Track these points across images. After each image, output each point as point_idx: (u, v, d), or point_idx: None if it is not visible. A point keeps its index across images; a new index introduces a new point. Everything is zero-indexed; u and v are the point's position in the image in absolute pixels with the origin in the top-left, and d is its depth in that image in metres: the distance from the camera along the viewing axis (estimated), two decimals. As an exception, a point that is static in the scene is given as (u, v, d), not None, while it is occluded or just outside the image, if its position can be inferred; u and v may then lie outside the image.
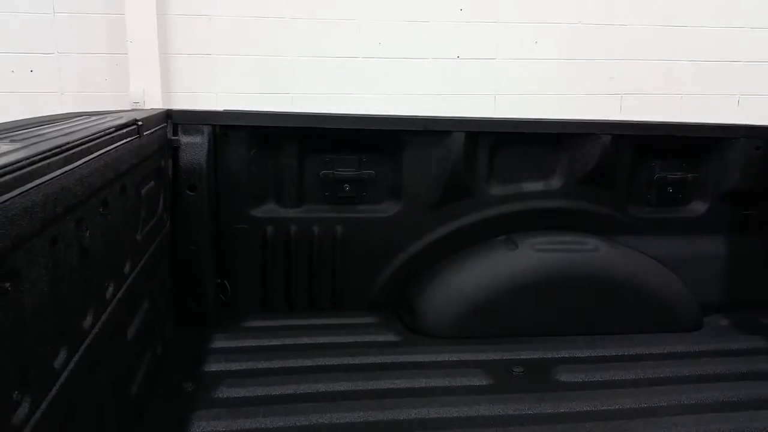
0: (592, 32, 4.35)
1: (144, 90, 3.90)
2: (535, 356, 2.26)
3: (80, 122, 1.61)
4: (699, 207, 2.77)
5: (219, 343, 2.27)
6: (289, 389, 1.96)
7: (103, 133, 1.46)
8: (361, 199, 2.59)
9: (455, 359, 2.21)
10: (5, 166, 0.94)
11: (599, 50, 4.38)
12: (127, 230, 1.67)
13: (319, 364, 2.14)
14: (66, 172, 1.15)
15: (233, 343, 2.27)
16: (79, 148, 1.26)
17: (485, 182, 2.60)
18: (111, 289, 1.48)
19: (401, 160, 2.54)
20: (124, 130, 1.64)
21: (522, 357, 2.25)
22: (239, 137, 2.43)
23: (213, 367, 2.09)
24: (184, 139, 2.32)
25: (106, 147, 1.44)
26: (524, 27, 4.28)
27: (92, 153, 1.33)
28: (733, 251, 2.74)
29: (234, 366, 2.10)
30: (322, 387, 1.98)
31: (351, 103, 4.12)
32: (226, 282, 2.51)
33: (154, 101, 3.90)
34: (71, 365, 1.19)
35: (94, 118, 1.77)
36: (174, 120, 2.32)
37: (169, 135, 2.29)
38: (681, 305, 2.56)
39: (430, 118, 2.55)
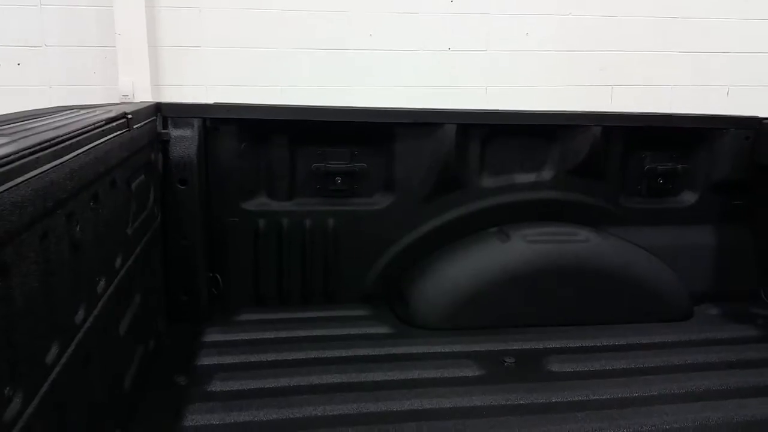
0: (583, 23, 4.36)
1: (133, 83, 3.87)
2: (527, 347, 2.27)
3: (69, 116, 1.59)
4: (689, 197, 2.78)
5: (212, 336, 2.27)
6: (283, 382, 1.96)
7: (92, 126, 1.44)
8: (353, 192, 2.58)
9: (448, 350, 2.22)
10: None
11: (590, 41, 4.39)
12: (118, 224, 1.66)
13: (312, 356, 2.14)
14: (55, 166, 1.15)
15: (226, 337, 2.27)
16: (69, 142, 1.25)
17: (477, 174, 2.60)
18: (102, 283, 1.47)
19: (393, 152, 2.54)
20: (114, 124, 1.63)
21: (514, 347, 2.26)
22: (230, 130, 2.42)
23: (206, 360, 2.09)
24: (174, 132, 2.30)
25: (95, 141, 1.43)
26: (515, 18, 4.28)
27: (82, 147, 1.32)
28: (723, 241, 2.76)
29: (227, 359, 2.10)
30: (315, 379, 1.98)
31: (342, 96, 4.11)
32: (218, 276, 2.50)
33: (144, 94, 3.88)
34: (63, 360, 1.18)
35: (83, 111, 1.75)
36: (164, 113, 2.30)
37: (159, 128, 2.27)
38: (671, 295, 2.58)
39: (422, 110, 2.55)
